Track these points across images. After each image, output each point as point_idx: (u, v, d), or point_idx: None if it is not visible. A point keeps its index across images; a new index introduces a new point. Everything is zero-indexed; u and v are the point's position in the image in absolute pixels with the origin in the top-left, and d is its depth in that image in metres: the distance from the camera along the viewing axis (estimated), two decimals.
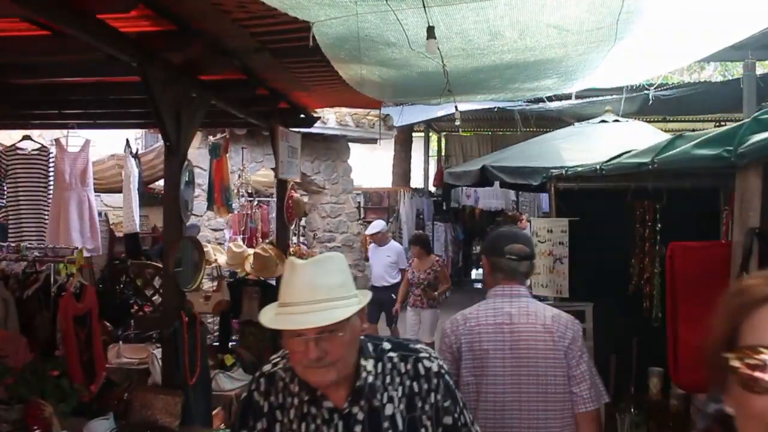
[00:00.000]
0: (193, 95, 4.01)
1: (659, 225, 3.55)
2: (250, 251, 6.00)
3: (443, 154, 16.49)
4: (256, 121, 5.31)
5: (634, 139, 5.98)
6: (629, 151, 3.25)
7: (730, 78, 13.04)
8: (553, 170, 4.28)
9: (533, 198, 12.29)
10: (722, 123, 11.69)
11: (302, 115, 5.83)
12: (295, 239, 10.58)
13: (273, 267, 5.82)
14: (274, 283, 6.03)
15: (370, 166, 17.51)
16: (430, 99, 5.99)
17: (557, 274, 4.08)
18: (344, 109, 8.39)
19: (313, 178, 8.60)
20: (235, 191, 6.37)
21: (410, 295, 7.70)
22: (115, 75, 3.96)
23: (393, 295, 8.20)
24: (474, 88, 5.26)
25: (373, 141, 8.98)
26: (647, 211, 3.67)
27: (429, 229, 14.59)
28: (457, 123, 9.30)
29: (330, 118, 8.12)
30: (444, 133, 18.24)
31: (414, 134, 15.77)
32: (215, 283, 6.25)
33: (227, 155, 6.15)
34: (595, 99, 9.57)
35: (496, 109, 10.04)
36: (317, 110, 5.93)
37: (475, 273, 18.32)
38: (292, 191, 5.99)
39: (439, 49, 3.75)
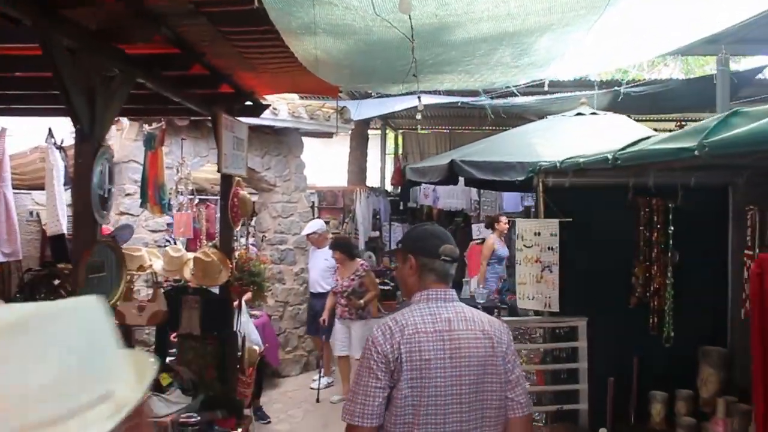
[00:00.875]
0: (115, 71, 3.32)
1: (672, 227, 3.01)
2: (190, 256, 5.29)
3: (402, 152, 15.93)
4: (196, 107, 4.62)
5: (615, 132, 5.53)
6: (645, 138, 2.70)
7: (692, 77, 12.85)
8: (542, 163, 3.70)
9: (495, 197, 11.82)
10: (684, 123, 11.46)
11: (249, 103, 5.16)
12: (243, 240, 9.88)
13: (216, 273, 5.14)
14: (217, 291, 5.36)
15: (325, 164, 16.90)
16: (392, 86, 5.38)
17: (546, 285, 3.51)
18: (297, 100, 7.72)
19: (263, 175, 7.89)
20: (173, 188, 5.64)
21: (337, 306, 7.08)
22: (14, 41, 3.23)
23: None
24: (442, 70, 4.69)
25: (329, 135, 8.32)
26: (655, 212, 3.13)
27: (386, 230, 14.05)
28: (419, 116, 8.75)
29: (282, 109, 7.43)
30: (401, 130, 17.71)
31: (370, 131, 15.23)
32: (151, 292, 5.52)
33: (163, 148, 5.43)
34: (564, 94, 9.14)
35: (460, 104, 9.49)
36: (267, 98, 5.25)
37: None
38: (238, 188, 5.31)
39: (410, 17, 3.17)
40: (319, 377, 7.46)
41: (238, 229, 5.61)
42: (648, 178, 3.21)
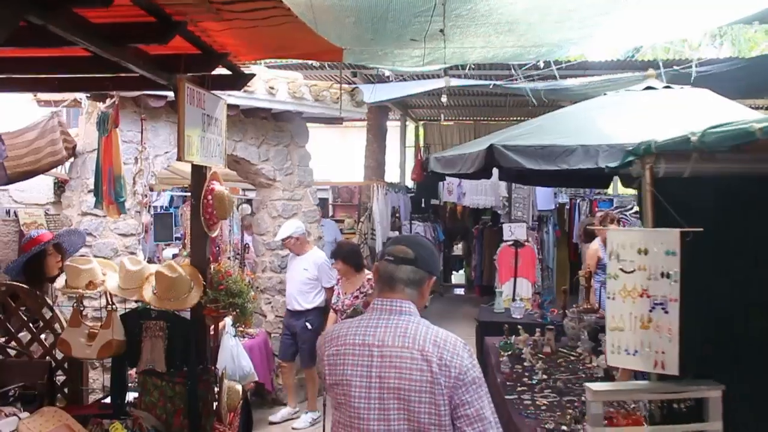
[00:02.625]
0: None
1: None
2: (153, 269, 4.11)
3: (423, 143, 14.69)
4: (148, 72, 3.42)
5: (705, 109, 4.25)
6: None
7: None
8: (652, 141, 2.39)
9: (528, 194, 10.54)
10: None
11: (226, 72, 3.96)
12: (237, 235, 8.69)
13: (184, 293, 3.97)
14: (188, 316, 4.18)
15: (340, 157, 15.79)
16: (410, 50, 4.14)
17: (657, 332, 2.26)
18: (299, 79, 6.50)
19: (260, 167, 6.68)
20: (131, 183, 4.47)
21: None
22: None
23: (308, 323, 6.31)
24: (476, 23, 3.46)
25: (338, 121, 7.08)
26: None
27: (406, 229, 12.85)
28: (444, 99, 7.52)
29: (280, 89, 6.22)
30: (422, 121, 16.48)
31: (389, 123, 14.09)
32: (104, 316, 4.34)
33: (119, 130, 4.25)
34: (618, 75, 7.86)
35: (492, 86, 8.21)
36: (249, 64, 4.03)
37: (456, 277, 16.67)
38: (214, 183, 4.12)
39: None
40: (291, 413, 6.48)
41: (217, 233, 4.41)
42: None
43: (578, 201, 12.73)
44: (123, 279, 4.08)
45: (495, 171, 6.43)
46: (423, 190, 13.53)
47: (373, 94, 8.18)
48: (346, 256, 5.57)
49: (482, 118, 15.88)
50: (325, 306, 6.35)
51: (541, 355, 5.56)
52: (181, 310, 4.13)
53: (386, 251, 2.18)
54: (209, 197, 4.08)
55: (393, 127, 14.89)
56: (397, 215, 12.69)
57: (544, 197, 11.45)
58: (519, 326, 5.92)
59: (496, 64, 9.28)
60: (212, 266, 4.15)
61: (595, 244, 7.73)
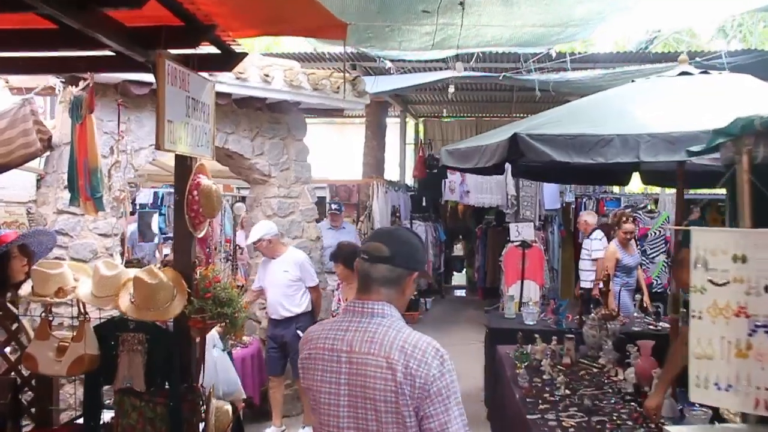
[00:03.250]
0: None
1: None
2: (131, 274, 3.62)
3: (424, 140, 14.19)
4: (122, 46, 2.94)
5: (753, 94, 3.79)
6: None
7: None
8: (753, 117, 1.91)
9: (535, 192, 10.07)
10: None
11: (215, 50, 3.48)
12: (229, 233, 8.20)
13: (165, 301, 3.49)
14: (171, 327, 3.71)
15: (337, 155, 15.35)
16: (419, 21, 3.67)
17: (759, 361, 1.78)
18: (296, 66, 6.01)
19: (254, 162, 6.19)
20: (106, 176, 3.98)
21: None
22: None
23: (299, 330, 5.68)
24: None
25: (338, 112, 6.60)
26: None
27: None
28: (451, 89, 7.06)
29: (276, 77, 5.73)
30: (422, 118, 16.01)
31: (388, 120, 13.66)
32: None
33: (97, 119, 3.77)
34: (637, 67, 7.41)
35: (502, 78, 7.74)
36: (240, 42, 3.54)
37: (457, 278, 16.25)
38: (201, 176, 3.64)
39: None
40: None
41: (205, 233, 3.90)
42: None
43: (584, 200, 12.30)
44: (97, 286, 3.59)
45: (507, 167, 5.99)
46: (424, 189, 13.05)
47: (374, 85, 7.70)
48: (347, 259, 5.07)
49: (484, 115, 15.45)
50: (313, 309, 5.86)
51: (560, 367, 5.09)
52: (163, 321, 3.66)
53: (361, 248, 2.05)
54: (194, 193, 3.59)
55: (392, 123, 14.44)
56: (398, 214, 12.23)
57: (551, 196, 10.99)
58: (536, 335, 5.45)
59: (503, 56, 8.85)
60: (198, 271, 3.67)
61: (613, 246, 7.29)
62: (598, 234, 8.56)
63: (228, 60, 3.58)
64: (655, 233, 9.28)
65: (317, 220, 9.11)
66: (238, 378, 5.07)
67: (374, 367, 1.86)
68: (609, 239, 8.81)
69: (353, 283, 5.21)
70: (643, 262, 9.27)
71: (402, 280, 2.00)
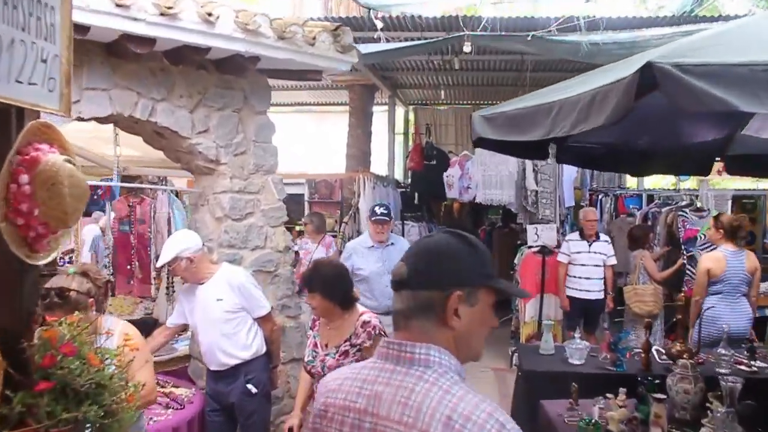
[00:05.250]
0: None
1: None
2: None
3: (421, 128, 12.46)
4: None
5: None
6: None
7: None
8: None
9: (553, 186, 8.37)
10: None
11: None
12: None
13: None
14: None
15: (316, 146, 13.68)
16: None
17: None
18: (253, 8, 4.21)
19: (196, 143, 4.39)
20: None
21: (315, 397, 3.43)
22: None
23: (251, 385, 3.92)
24: None
25: (315, 75, 4.77)
26: None
27: (397, 231, 10.64)
28: (467, 48, 5.38)
29: (224, 16, 3.95)
30: (413, 105, 14.27)
31: (375, 108, 11.99)
32: None
33: None
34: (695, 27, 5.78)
35: (530, 37, 6.04)
36: None
37: None
38: (41, 148, 1.82)
39: None
40: None
41: (55, 256, 2.13)
42: None
43: (601, 197, 10.71)
44: None
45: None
46: (419, 184, 11.33)
47: (362, 55, 5.95)
48: (327, 286, 3.28)
49: (483, 103, 13.77)
50: (268, 350, 4.07)
51: None
52: None
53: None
54: (23, 178, 1.79)
55: (379, 112, 12.73)
56: None
57: (569, 191, 9.32)
58: (615, 393, 3.72)
59: (523, 22, 7.22)
60: (36, 332, 1.88)
61: (719, 253, 5.42)
62: (604, 236, 7.53)
63: None
64: (704, 236, 7.64)
65: (318, 230, 7.20)
66: None
67: None
68: (636, 245, 7.27)
69: (335, 321, 3.44)
70: (689, 272, 7.63)
71: (433, 305, 1.41)
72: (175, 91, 4.21)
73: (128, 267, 7.14)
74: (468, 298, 1.42)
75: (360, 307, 3.39)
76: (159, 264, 3.88)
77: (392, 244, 5.65)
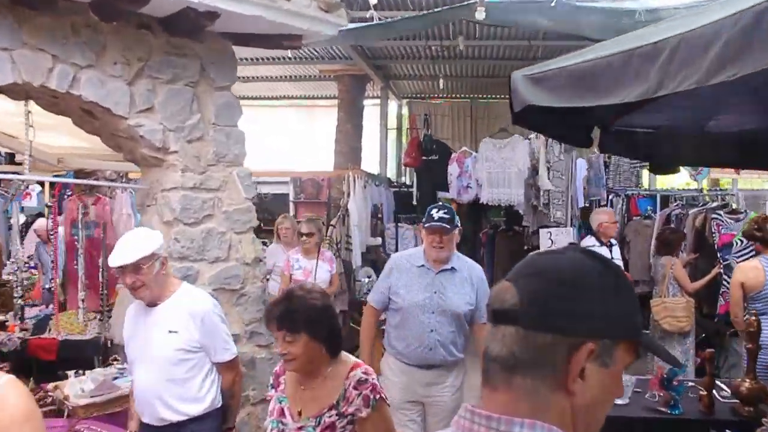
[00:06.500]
0: None
1: None
2: None
3: (419, 120, 11.52)
4: None
5: None
6: None
7: None
8: None
9: (566, 185, 7.45)
10: None
11: None
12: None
13: None
14: None
15: (303, 143, 12.79)
16: None
17: None
18: None
19: (137, 126, 3.38)
20: None
21: None
22: None
23: None
24: None
25: (294, 41, 3.76)
26: None
27: (391, 234, 9.68)
28: (481, 13, 4.42)
29: None
30: (406, 99, 13.34)
31: (366, 102, 11.14)
32: None
33: None
34: None
35: (555, 4, 5.05)
36: None
37: None
38: None
39: None
40: None
41: None
42: None
43: (611, 197, 9.80)
44: None
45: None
46: (422, 182, 10.37)
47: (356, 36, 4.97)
48: (312, 323, 2.26)
49: (481, 96, 12.88)
50: (223, 406, 3.04)
51: None
52: None
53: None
54: None
55: (370, 106, 11.82)
56: (380, 215, 9.58)
57: (580, 191, 8.41)
58: None
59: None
60: None
61: (757, 262, 4.45)
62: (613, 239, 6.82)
63: None
64: (742, 241, 6.72)
65: (318, 243, 5.52)
66: None
67: None
68: (666, 250, 6.35)
69: (317, 380, 2.44)
70: (725, 283, 6.71)
71: (555, 358, 0.97)
72: (107, 56, 3.21)
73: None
74: (602, 354, 1.01)
75: (349, 357, 2.38)
76: (125, 261, 2.79)
77: (453, 269, 3.71)
